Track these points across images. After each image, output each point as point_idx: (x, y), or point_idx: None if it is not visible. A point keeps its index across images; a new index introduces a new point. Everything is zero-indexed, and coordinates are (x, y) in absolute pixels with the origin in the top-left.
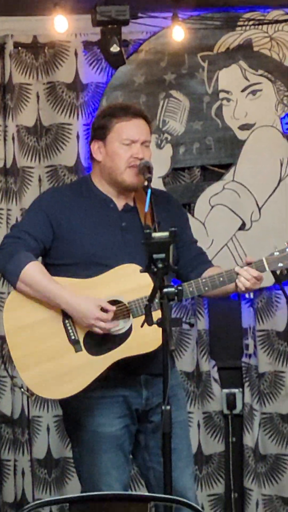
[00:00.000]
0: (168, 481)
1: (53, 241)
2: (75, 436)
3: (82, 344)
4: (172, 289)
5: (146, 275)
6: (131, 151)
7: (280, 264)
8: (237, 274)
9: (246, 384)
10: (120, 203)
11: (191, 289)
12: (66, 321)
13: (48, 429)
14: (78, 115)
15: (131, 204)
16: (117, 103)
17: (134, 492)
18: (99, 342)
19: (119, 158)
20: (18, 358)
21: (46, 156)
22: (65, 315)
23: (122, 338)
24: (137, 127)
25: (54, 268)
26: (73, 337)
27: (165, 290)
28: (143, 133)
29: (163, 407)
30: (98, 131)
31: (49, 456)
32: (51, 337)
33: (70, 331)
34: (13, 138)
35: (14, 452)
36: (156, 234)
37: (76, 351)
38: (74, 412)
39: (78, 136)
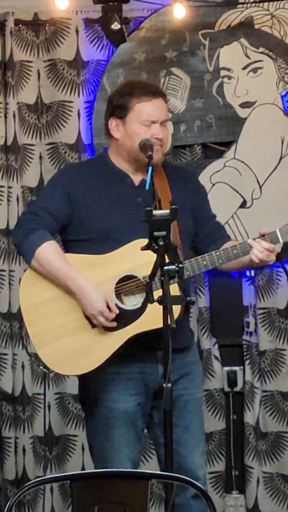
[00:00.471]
0: (169, 459)
1: (70, 217)
2: (89, 410)
3: None
4: (173, 267)
5: None
6: (151, 132)
7: None
8: (251, 246)
9: (247, 361)
10: (137, 179)
11: (205, 262)
12: None
13: (49, 406)
14: (79, 92)
15: None
16: (137, 80)
17: (135, 470)
18: (115, 317)
19: (139, 138)
20: (35, 335)
21: (47, 134)
22: None
23: (137, 313)
24: (157, 108)
25: (71, 244)
26: None
27: (166, 268)
28: (162, 113)
29: (164, 385)
30: (116, 109)
31: (49, 433)
32: (67, 313)
33: None
34: (14, 116)
35: (15, 429)
36: (157, 212)
37: (93, 327)
38: (89, 387)
39: (79, 114)
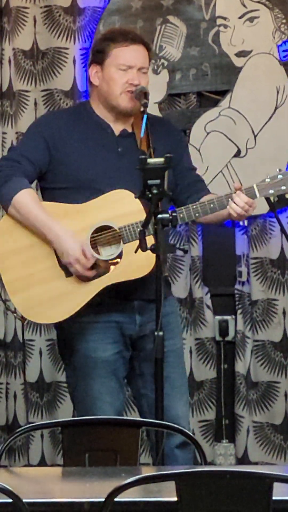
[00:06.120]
0: (160, 407)
1: (49, 165)
2: (69, 360)
3: None
4: (167, 215)
5: (138, 200)
6: (127, 77)
7: (271, 191)
8: (229, 200)
9: (239, 311)
10: (117, 128)
11: (181, 215)
12: None
13: (40, 353)
14: (74, 39)
15: (129, 130)
16: (117, 28)
17: (126, 417)
18: (89, 267)
19: (114, 83)
20: (9, 281)
21: (42, 80)
22: None
23: (112, 263)
24: (134, 53)
25: (49, 192)
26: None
27: (159, 216)
28: (140, 59)
29: (155, 333)
30: (96, 55)
31: (41, 379)
32: (42, 261)
33: None
34: (9, 62)
35: (7, 375)
36: (151, 160)
37: (67, 276)
38: (68, 337)
39: (74, 61)
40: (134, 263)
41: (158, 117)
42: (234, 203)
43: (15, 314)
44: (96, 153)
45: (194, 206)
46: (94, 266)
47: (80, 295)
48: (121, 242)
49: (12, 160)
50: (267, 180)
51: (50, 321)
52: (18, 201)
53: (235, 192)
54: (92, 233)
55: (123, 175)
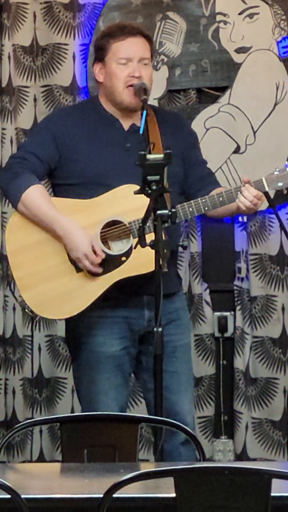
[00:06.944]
0: (159, 403)
1: (58, 161)
2: (76, 354)
3: None
4: (166, 211)
5: None
6: (128, 70)
7: (280, 184)
8: (238, 193)
9: (238, 307)
10: (126, 124)
11: (191, 209)
12: None
13: (39, 348)
14: (74, 35)
15: (138, 124)
16: (115, 23)
17: (125, 413)
18: (100, 262)
19: (116, 78)
20: (20, 278)
21: (42, 76)
22: None
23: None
24: (132, 45)
25: (59, 188)
26: None
27: (158, 212)
28: (139, 50)
29: (155, 329)
30: (98, 52)
31: (40, 375)
32: (52, 257)
33: None
34: (9, 57)
35: (5, 371)
36: (150, 156)
37: (77, 271)
38: (76, 331)
39: (74, 56)
40: (145, 258)
41: (168, 111)
42: (243, 196)
43: (26, 310)
44: (106, 149)
45: (203, 200)
46: (104, 262)
47: (91, 290)
48: (131, 237)
49: (21, 158)
50: (276, 172)
51: (62, 317)
52: (27, 198)
53: (243, 185)
54: (102, 228)
55: (132, 170)
